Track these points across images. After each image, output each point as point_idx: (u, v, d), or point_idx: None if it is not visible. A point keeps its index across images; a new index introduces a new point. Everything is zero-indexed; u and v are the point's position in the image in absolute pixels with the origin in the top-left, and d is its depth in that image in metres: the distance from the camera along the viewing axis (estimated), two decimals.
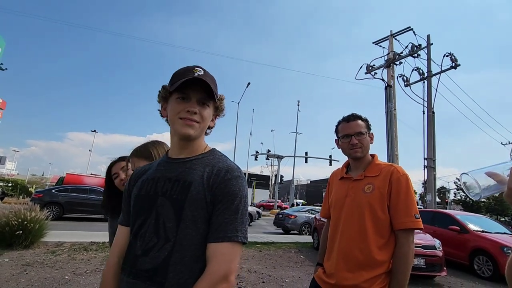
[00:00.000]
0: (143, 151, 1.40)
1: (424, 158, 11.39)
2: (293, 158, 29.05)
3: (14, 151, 56.54)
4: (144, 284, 0.81)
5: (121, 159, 1.65)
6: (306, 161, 28.65)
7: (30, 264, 4.40)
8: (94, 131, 44.56)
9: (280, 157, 29.68)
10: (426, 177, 11.40)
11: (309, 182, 75.89)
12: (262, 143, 56.42)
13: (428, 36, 12.22)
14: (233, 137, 28.52)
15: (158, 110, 0.98)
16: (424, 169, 11.41)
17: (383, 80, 12.38)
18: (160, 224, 0.84)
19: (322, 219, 1.69)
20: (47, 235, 5.94)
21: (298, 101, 30.37)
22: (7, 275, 3.81)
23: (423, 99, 11.92)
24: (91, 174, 24.47)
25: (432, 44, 12.15)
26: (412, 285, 4.99)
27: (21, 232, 5.30)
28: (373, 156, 1.48)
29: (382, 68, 12.51)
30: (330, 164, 28.51)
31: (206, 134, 0.99)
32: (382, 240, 1.29)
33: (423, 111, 11.80)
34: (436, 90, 11.73)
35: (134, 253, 0.85)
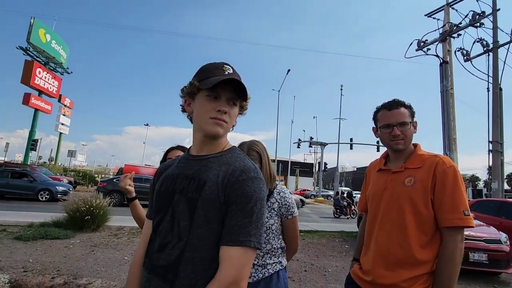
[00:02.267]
0: (254, 154, 1.44)
1: (489, 142, 10.11)
2: (337, 144, 28.08)
3: (83, 145, 63.94)
4: (157, 280, 0.83)
5: (179, 147, 1.79)
6: (351, 148, 27.49)
7: (96, 245, 5.00)
8: (147, 124, 48.26)
9: (323, 144, 28.90)
10: (491, 163, 10.15)
11: (355, 169, 72.92)
12: (304, 131, 55.50)
13: (494, 1, 10.60)
14: (274, 125, 28.47)
15: (181, 105, 0.97)
16: (489, 153, 10.16)
17: (437, 56, 11.13)
18: (175, 222, 0.84)
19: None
20: (110, 220, 6.66)
21: (341, 85, 29.02)
22: (78, 255, 4.39)
23: (488, 74, 10.51)
24: (146, 164, 26.67)
25: (499, 10, 10.52)
26: (471, 282, 4.58)
27: (89, 217, 6.03)
28: (415, 146, 1.35)
29: (437, 42, 11.23)
30: (378, 150, 26.95)
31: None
32: (425, 237, 1.19)
33: (488, 88, 10.42)
34: (504, 63, 10.22)
35: (153, 249, 0.88)
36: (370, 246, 1.33)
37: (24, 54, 22.41)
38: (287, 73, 25.26)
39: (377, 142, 26.93)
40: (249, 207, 0.80)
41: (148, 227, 0.97)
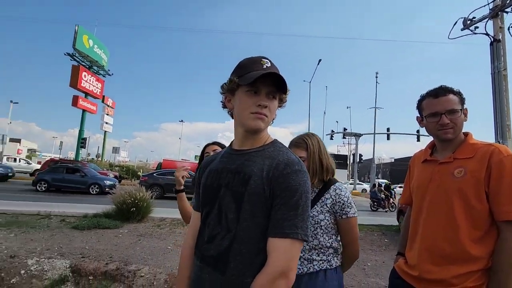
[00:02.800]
0: (300, 142, 1.48)
1: None
2: (373, 135, 26.87)
3: (125, 142, 68.55)
4: (209, 269, 0.87)
5: (215, 143, 1.89)
6: (388, 138, 26.16)
7: (142, 235, 5.38)
8: (182, 121, 50.09)
9: (358, 135, 27.84)
10: None
11: (393, 160, 69.32)
12: (337, 122, 53.94)
13: None
14: (306, 117, 27.96)
15: (221, 101, 0.98)
16: None
17: (487, 34, 10.08)
18: (223, 215, 0.87)
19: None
20: (153, 212, 7.09)
21: (377, 73, 27.43)
22: (127, 243, 4.76)
23: None
24: (182, 159, 27.82)
25: None
26: None
27: (134, 209, 6.49)
28: (466, 134, 1.26)
29: (486, 19, 10.16)
30: (418, 140, 25.32)
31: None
32: (477, 232, 1.11)
33: None
34: None
35: (203, 239, 0.92)
36: (415, 240, 1.28)
37: (71, 60, 24.37)
38: (318, 63, 24.59)
39: (417, 131, 25.30)
40: (294, 200, 0.81)
41: (196, 218, 1.02)
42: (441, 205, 1.19)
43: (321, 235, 1.38)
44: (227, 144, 1.99)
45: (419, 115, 1.33)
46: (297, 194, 0.81)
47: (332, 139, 30.16)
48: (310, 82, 26.51)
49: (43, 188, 13.32)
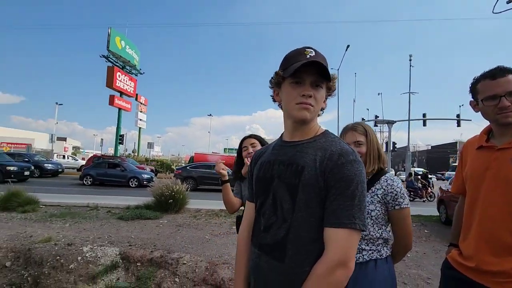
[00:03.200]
0: (359, 126, 1.50)
1: None
2: (407, 121, 25.48)
3: (158, 137, 71.68)
4: (267, 257, 0.90)
5: (252, 136, 1.95)
6: (424, 124, 24.60)
7: (180, 225, 5.65)
8: (210, 115, 51.19)
9: (390, 122, 26.53)
10: None
11: (429, 147, 65.39)
12: (368, 109, 51.95)
13: None
14: (334, 106, 27.18)
15: (271, 95, 1.00)
16: None
17: None
18: (278, 205, 0.89)
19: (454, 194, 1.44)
20: (188, 203, 7.40)
21: (410, 56, 25.76)
22: (167, 233, 5.03)
23: None
24: (212, 152, 28.55)
25: None
26: None
27: (171, 200, 6.82)
28: None
29: None
30: (458, 125, 23.55)
31: (318, 115, 0.97)
32: None
33: None
34: None
35: (259, 228, 0.95)
36: (470, 231, 1.22)
37: (106, 61, 25.77)
38: (346, 50, 23.62)
39: (457, 115, 23.55)
40: (350, 190, 0.80)
41: (250, 208, 1.06)
42: (500, 194, 1.12)
43: (371, 225, 1.36)
44: (262, 136, 2.03)
45: (472, 99, 1.25)
46: (353, 184, 0.81)
47: None
48: (338, 69, 25.61)
49: (89, 182, 14.43)
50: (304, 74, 0.87)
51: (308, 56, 0.88)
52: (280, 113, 1.01)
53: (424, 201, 13.16)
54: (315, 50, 0.91)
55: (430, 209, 9.17)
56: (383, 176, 1.41)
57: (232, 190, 1.98)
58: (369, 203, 1.37)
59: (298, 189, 0.85)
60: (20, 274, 3.60)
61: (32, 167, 15.56)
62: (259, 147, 1.85)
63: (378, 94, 32.78)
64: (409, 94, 25.82)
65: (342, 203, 0.80)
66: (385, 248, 1.39)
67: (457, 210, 1.41)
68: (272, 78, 0.96)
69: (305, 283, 0.81)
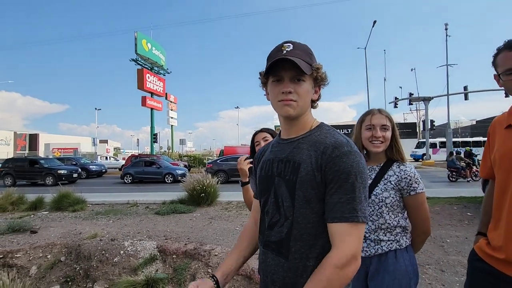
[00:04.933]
0: (384, 112, 1.47)
1: None
2: (446, 96, 23.59)
3: (189, 133, 74.00)
4: (272, 254, 0.91)
5: (263, 129, 1.91)
6: (466, 98, 22.60)
7: (212, 218, 5.87)
8: (237, 107, 51.67)
9: (426, 99, 24.76)
10: None
11: (474, 122, 60.16)
12: (401, 87, 48.92)
13: None
14: (364, 87, 25.98)
15: (264, 95, 1.00)
16: None
17: None
18: (280, 203, 0.90)
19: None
20: (219, 196, 7.63)
21: (446, 25, 23.56)
22: (200, 226, 5.26)
23: None
24: (241, 144, 28.93)
25: None
26: None
27: (203, 194, 7.09)
28: None
29: None
30: (507, 96, 21.29)
31: (313, 107, 0.96)
32: None
33: None
34: None
35: (264, 226, 0.97)
36: (501, 220, 1.12)
37: (135, 64, 26.98)
38: (373, 26, 22.28)
39: None
40: (349, 183, 0.80)
41: (256, 205, 1.09)
42: None
43: (387, 213, 1.33)
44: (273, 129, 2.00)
45: (495, 73, 1.14)
46: (352, 176, 0.80)
47: (397, 106, 27.37)
48: (365, 48, 24.34)
49: (129, 180, 15.45)
50: (282, 71, 0.87)
51: (284, 52, 0.87)
52: None
53: (468, 181, 12.24)
54: (293, 44, 0.89)
55: (474, 189, 8.52)
56: (395, 162, 1.38)
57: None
58: (383, 190, 1.34)
59: (296, 186, 0.86)
60: (73, 267, 4.01)
61: (79, 170, 17.03)
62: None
63: (411, 70, 30.68)
64: (447, 67, 23.79)
65: (343, 197, 0.79)
66: (404, 237, 1.35)
67: (486, 196, 1.30)
68: (259, 78, 0.96)
69: (313, 276, 0.81)
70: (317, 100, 0.96)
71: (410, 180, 1.32)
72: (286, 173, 0.89)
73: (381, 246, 1.33)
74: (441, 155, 25.86)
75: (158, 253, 3.97)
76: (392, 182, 1.34)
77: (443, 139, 26.08)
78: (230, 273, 1.01)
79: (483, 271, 1.16)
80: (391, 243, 1.33)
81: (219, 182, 7.99)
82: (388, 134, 1.40)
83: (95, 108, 44.29)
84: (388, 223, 1.33)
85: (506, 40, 1.07)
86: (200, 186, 7.12)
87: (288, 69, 0.86)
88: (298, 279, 0.85)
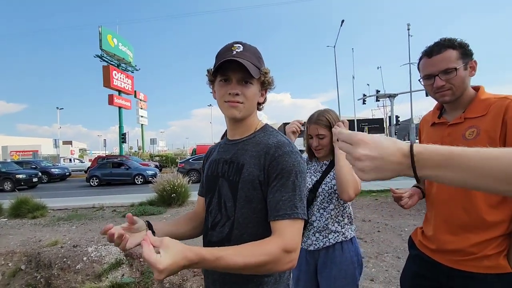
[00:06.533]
0: (322, 119, 1.47)
1: None
2: (409, 93, 25.07)
3: (161, 132, 72.17)
4: None
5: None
6: (427, 95, 24.12)
7: None
8: (210, 105, 51.01)
9: (392, 96, 26.16)
10: None
11: None
12: (368, 84, 51.17)
13: None
14: (334, 84, 26.79)
15: (210, 92, 0.99)
16: None
17: None
18: (222, 203, 0.91)
19: None
20: (191, 196, 7.53)
21: (408, 25, 24.99)
22: None
23: None
24: (215, 142, 28.63)
25: None
26: None
27: (174, 194, 6.95)
28: (477, 89, 1.15)
29: None
30: (427, 95, 23.06)
31: (259, 109, 0.98)
32: (495, 197, 1.04)
33: None
34: None
35: (207, 227, 0.97)
36: (431, 212, 1.23)
37: (100, 61, 25.66)
38: (341, 25, 23.03)
39: None
40: (290, 181, 0.82)
41: (199, 202, 1.10)
42: None
43: (336, 199, 1.43)
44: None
45: (419, 78, 1.24)
46: (292, 175, 0.83)
47: (365, 103, 28.64)
48: (334, 46, 25.10)
49: (95, 183, 14.70)
50: (230, 72, 0.87)
51: (234, 53, 0.87)
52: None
53: None
54: (244, 45, 0.90)
55: None
56: None
57: None
58: (332, 179, 1.44)
59: (238, 186, 0.87)
60: (34, 276, 3.77)
61: (40, 174, 15.89)
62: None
63: (378, 68, 32.12)
64: (409, 65, 25.24)
65: (285, 195, 0.82)
66: (349, 230, 1.46)
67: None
68: (206, 75, 0.96)
69: (253, 247, 0.76)
70: (263, 103, 0.98)
71: None
72: (230, 174, 0.91)
73: (329, 239, 1.42)
74: None
75: (125, 257, 3.85)
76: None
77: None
78: (164, 231, 0.95)
79: (419, 258, 1.26)
80: (338, 235, 1.42)
81: (191, 181, 7.87)
82: (325, 140, 1.46)
83: (57, 108, 41.59)
84: (337, 208, 1.43)
85: (426, 46, 1.15)
86: (171, 186, 6.97)
87: (236, 71, 0.87)
88: (238, 278, 0.86)
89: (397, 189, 1.34)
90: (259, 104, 0.97)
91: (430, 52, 1.13)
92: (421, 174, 0.51)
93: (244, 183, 0.87)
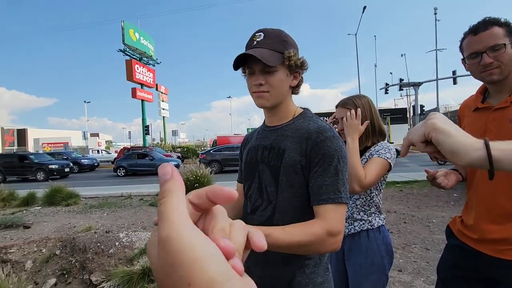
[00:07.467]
0: (349, 102, 1.46)
1: None
2: (435, 81, 23.83)
3: (182, 124, 73.59)
4: None
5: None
6: (455, 82, 22.82)
7: None
8: (229, 97, 51.33)
9: (416, 84, 24.99)
10: None
11: None
12: (391, 73, 49.25)
13: None
14: (355, 73, 25.97)
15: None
16: None
17: None
18: (263, 188, 0.93)
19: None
20: None
21: (435, 9, 23.54)
22: None
23: None
24: (234, 134, 28.91)
25: None
26: None
27: (197, 184, 7.12)
28: None
29: None
30: (454, 82, 21.65)
31: (294, 93, 0.97)
32: None
33: None
34: None
35: (246, 211, 0.99)
36: (472, 199, 1.18)
37: (123, 55, 26.34)
38: (363, 12, 22.10)
39: None
40: (333, 166, 0.83)
41: (238, 189, 1.10)
42: None
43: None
44: None
45: (462, 58, 1.17)
46: (335, 160, 0.84)
47: (387, 92, 27.49)
48: (355, 34, 24.22)
49: (122, 173, 15.36)
50: (253, 63, 0.88)
51: (254, 43, 0.88)
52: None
53: None
54: (265, 32, 0.89)
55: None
56: (374, 145, 1.43)
57: None
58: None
59: (280, 171, 0.89)
60: (69, 260, 4.05)
61: (71, 164, 16.82)
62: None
63: (402, 55, 30.73)
64: (436, 52, 23.93)
65: (327, 179, 0.83)
66: (377, 218, 1.42)
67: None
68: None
69: (301, 227, 0.79)
70: (297, 86, 0.96)
71: (382, 148, 1.37)
72: (270, 159, 0.92)
73: (354, 226, 1.40)
74: None
75: None
76: (367, 156, 1.40)
77: None
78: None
79: (458, 248, 1.23)
80: (363, 223, 1.40)
81: (213, 172, 8.02)
82: None
83: (84, 101, 43.49)
84: (363, 198, 1.40)
85: (471, 25, 1.09)
86: (194, 176, 7.15)
87: (256, 62, 0.86)
88: (279, 260, 0.89)
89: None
90: (293, 88, 0.95)
91: (476, 29, 1.06)
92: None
93: (285, 168, 0.88)
